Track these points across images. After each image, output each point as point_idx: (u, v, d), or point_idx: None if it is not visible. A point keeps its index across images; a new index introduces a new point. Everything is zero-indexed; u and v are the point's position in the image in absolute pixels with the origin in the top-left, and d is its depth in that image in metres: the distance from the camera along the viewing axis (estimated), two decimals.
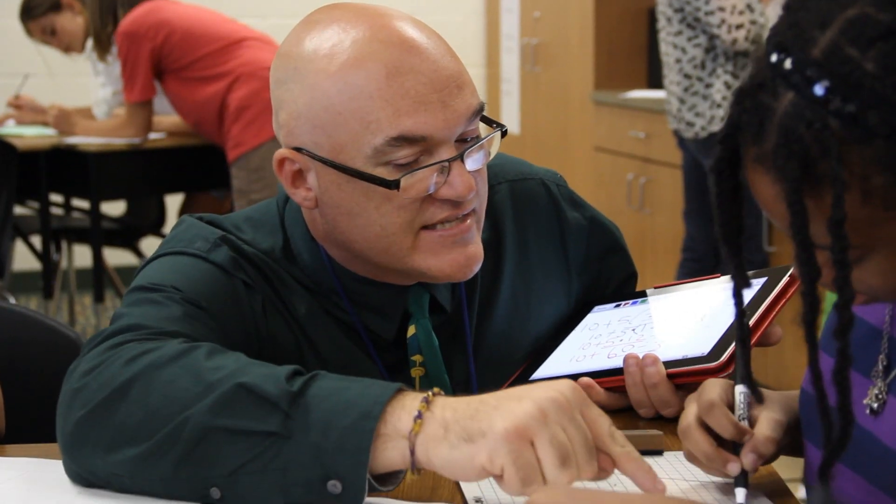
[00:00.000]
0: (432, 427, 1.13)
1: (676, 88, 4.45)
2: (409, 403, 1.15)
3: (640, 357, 1.43)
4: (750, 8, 4.23)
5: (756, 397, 1.22)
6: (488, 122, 1.45)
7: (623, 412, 1.46)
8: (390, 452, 1.14)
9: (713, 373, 1.38)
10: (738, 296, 1.13)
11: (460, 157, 1.37)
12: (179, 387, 1.21)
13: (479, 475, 1.12)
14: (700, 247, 4.56)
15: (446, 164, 1.36)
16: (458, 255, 1.40)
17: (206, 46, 4.24)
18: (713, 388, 1.27)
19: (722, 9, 4.21)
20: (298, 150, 1.40)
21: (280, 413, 1.16)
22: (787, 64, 1.02)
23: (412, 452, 1.13)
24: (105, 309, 4.99)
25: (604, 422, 1.13)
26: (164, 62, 4.28)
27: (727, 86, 4.30)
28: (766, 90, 1.04)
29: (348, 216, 1.39)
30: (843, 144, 1.00)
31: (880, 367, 1.20)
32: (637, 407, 1.45)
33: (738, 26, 4.21)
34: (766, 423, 1.24)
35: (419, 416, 1.14)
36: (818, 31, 1.02)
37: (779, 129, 1.02)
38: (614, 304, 1.60)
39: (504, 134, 1.44)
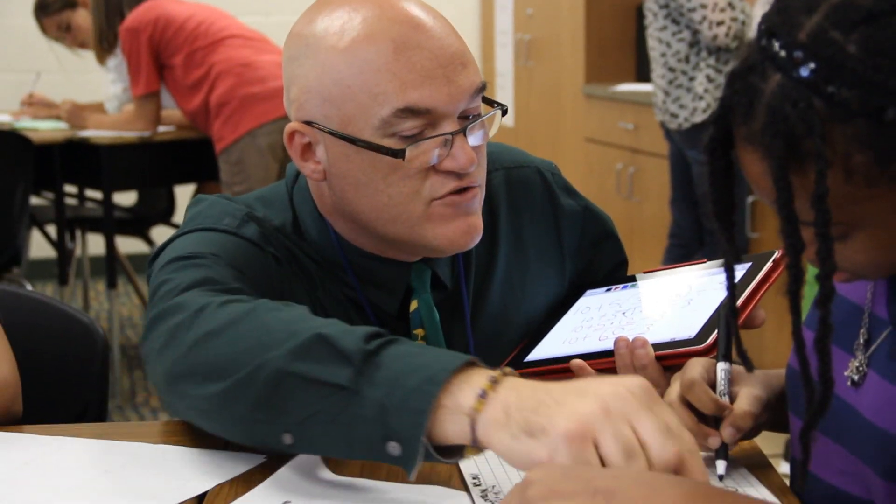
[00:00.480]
0: (494, 410, 1.08)
1: (661, 81, 4.47)
2: (475, 379, 1.11)
3: (630, 340, 1.42)
4: (731, 6, 4.26)
5: (746, 366, 1.20)
6: (489, 102, 1.46)
7: None
8: (450, 425, 1.10)
9: (699, 355, 1.37)
10: (728, 269, 1.13)
11: (463, 132, 1.39)
12: (270, 331, 1.21)
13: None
14: (685, 233, 4.60)
15: (449, 136, 1.38)
16: (462, 223, 1.42)
17: (193, 43, 4.28)
18: (695, 366, 1.28)
19: (704, 6, 4.24)
20: (309, 123, 1.41)
21: (352, 368, 1.14)
22: (775, 47, 1.05)
23: (472, 430, 1.09)
24: (117, 295, 4.84)
25: (668, 418, 1.05)
26: (161, 56, 4.33)
27: (709, 79, 4.33)
28: (755, 72, 1.06)
29: (356, 187, 1.41)
30: (827, 123, 1.02)
31: (861, 340, 1.22)
32: None
33: (720, 23, 4.24)
34: (746, 399, 1.26)
35: (483, 394, 1.09)
36: (805, 16, 1.04)
37: (766, 109, 1.04)
38: (606, 289, 1.61)
39: (504, 113, 1.45)
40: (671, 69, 4.45)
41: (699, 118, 4.37)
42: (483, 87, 1.42)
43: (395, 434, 1.11)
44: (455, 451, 1.14)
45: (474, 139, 1.41)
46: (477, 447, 1.10)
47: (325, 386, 1.15)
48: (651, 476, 1.01)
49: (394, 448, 1.12)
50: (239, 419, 1.20)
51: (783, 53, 1.04)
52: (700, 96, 4.37)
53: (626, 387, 1.05)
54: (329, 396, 1.15)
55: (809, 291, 2.70)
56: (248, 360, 1.19)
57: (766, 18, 1.08)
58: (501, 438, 1.07)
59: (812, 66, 1.03)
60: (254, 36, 4.43)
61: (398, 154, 1.37)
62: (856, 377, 1.21)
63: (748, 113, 1.07)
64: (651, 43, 4.56)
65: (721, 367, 1.28)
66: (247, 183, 4.25)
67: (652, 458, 1.03)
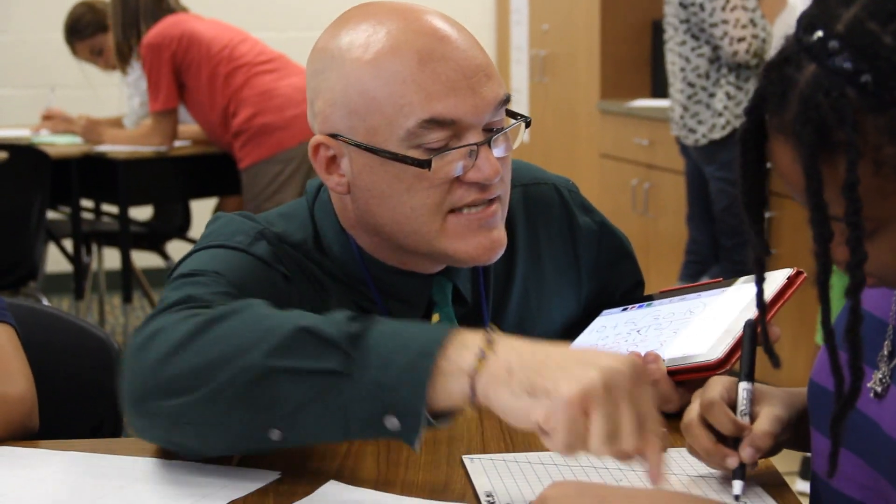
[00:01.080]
0: (496, 367, 1.15)
1: (680, 96, 4.47)
2: (470, 342, 1.17)
3: (643, 355, 1.43)
4: (753, 23, 4.27)
5: (773, 362, 1.20)
6: (513, 115, 1.47)
7: None
8: (451, 389, 1.16)
9: (712, 369, 1.39)
10: (758, 264, 1.15)
11: (488, 143, 1.40)
12: (239, 335, 1.23)
13: (530, 427, 1.14)
14: (702, 249, 4.60)
15: (475, 147, 1.39)
16: (484, 239, 1.43)
17: (216, 67, 4.34)
18: (715, 386, 1.28)
19: (725, 21, 4.25)
20: (333, 136, 1.42)
21: (340, 352, 1.18)
22: (812, 38, 1.05)
23: (472, 389, 1.15)
24: (133, 309, 4.92)
25: (650, 404, 1.13)
26: (182, 75, 4.38)
27: (728, 96, 4.33)
28: (791, 63, 1.07)
29: (380, 198, 1.42)
30: (859, 113, 1.02)
31: (885, 352, 1.22)
32: None
33: (741, 39, 4.25)
34: (766, 419, 1.26)
35: (483, 355, 1.15)
36: (842, 8, 1.04)
37: (799, 98, 1.05)
38: (622, 309, 1.62)
39: (528, 125, 1.46)
40: (690, 84, 4.46)
41: (717, 135, 4.38)
42: (507, 99, 1.43)
43: (394, 409, 1.17)
44: (448, 415, 1.22)
45: (498, 150, 1.43)
46: (474, 407, 1.17)
47: (316, 374, 1.19)
48: (665, 495, 1.03)
49: (391, 423, 1.17)
50: (221, 424, 1.22)
51: (819, 44, 1.05)
52: (719, 113, 4.37)
53: (622, 363, 1.13)
54: (319, 383, 1.19)
55: (836, 303, 2.68)
56: (224, 365, 1.21)
57: (805, 13, 1.08)
58: (501, 395, 1.14)
59: (847, 56, 1.03)
60: (273, 59, 4.46)
61: (424, 164, 1.38)
62: (879, 388, 1.21)
63: (781, 103, 1.07)
64: (670, 57, 4.57)
65: (743, 386, 1.28)
66: (255, 202, 4.33)
67: (621, 446, 1.12)
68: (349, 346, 1.19)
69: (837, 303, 1.12)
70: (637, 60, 5.62)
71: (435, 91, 1.38)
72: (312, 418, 1.20)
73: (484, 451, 1.37)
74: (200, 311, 1.28)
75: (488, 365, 1.15)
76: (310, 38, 1.50)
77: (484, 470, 1.31)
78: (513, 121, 1.47)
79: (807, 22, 1.08)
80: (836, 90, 1.03)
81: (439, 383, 1.16)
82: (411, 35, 1.40)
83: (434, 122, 1.38)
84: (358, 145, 1.41)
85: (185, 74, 4.38)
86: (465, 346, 1.17)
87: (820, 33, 1.05)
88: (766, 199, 1.14)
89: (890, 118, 1.03)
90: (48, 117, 5.03)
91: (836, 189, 1.04)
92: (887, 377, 1.21)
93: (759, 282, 1.16)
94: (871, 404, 1.21)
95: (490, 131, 1.42)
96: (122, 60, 4.62)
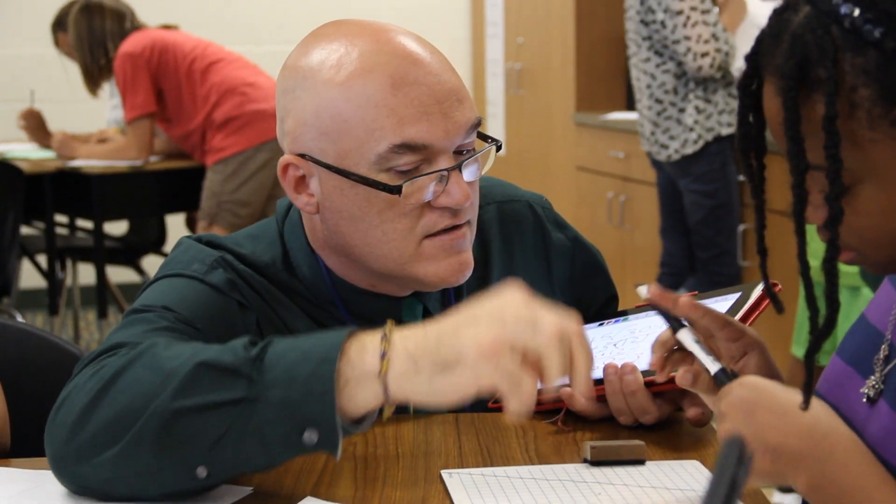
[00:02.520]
0: (400, 363, 1.16)
1: (649, 113, 4.48)
2: (369, 344, 1.18)
3: (619, 366, 1.43)
4: (715, 37, 4.29)
5: (777, 307, 1.24)
6: (483, 137, 1.47)
7: (605, 422, 1.48)
8: (364, 393, 1.17)
9: None
10: (759, 211, 1.17)
11: (458, 168, 1.41)
12: (143, 382, 1.22)
13: (464, 399, 1.16)
14: (677, 262, 4.61)
15: (445, 173, 1.39)
16: (454, 261, 1.43)
17: (192, 64, 4.40)
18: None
19: (688, 38, 4.26)
20: (303, 156, 1.42)
21: (243, 379, 1.18)
22: None
23: (386, 390, 1.17)
24: (108, 324, 4.89)
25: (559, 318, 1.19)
26: (160, 80, 4.41)
27: (698, 110, 4.34)
28: (789, 8, 1.11)
29: (350, 221, 1.42)
30: (840, 52, 1.06)
31: (881, 355, 1.22)
32: (617, 415, 1.46)
33: (704, 54, 4.26)
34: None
35: (383, 354, 1.17)
36: None
37: (790, 38, 1.09)
38: (598, 324, 1.63)
39: (499, 149, 1.47)
40: (658, 101, 4.47)
41: (690, 149, 4.40)
42: (478, 123, 1.43)
43: (309, 423, 1.17)
44: (367, 419, 1.21)
45: (469, 175, 1.43)
46: (390, 408, 1.19)
47: (223, 406, 1.19)
48: (815, 436, 1.09)
49: (310, 437, 1.17)
50: (145, 474, 1.22)
51: None
52: (690, 128, 4.38)
53: (505, 296, 1.20)
54: (230, 413, 1.19)
55: (844, 322, 2.68)
56: (134, 417, 1.21)
57: None
58: (417, 388, 1.16)
59: None
60: (242, 58, 4.55)
61: (394, 190, 1.38)
62: (871, 393, 1.21)
63: (775, 44, 1.10)
64: (635, 73, 4.59)
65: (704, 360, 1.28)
66: (238, 192, 4.38)
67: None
68: (250, 370, 1.19)
69: (844, 323, 1.11)
70: (612, 73, 5.66)
71: (407, 116, 1.38)
72: (231, 450, 1.20)
73: (462, 466, 1.36)
74: (106, 363, 1.27)
75: (392, 364, 1.17)
76: (286, 52, 1.49)
77: (462, 485, 1.31)
78: (484, 144, 1.47)
79: None
80: (821, 28, 1.06)
81: (351, 391, 1.17)
82: (384, 57, 1.39)
83: (405, 147, 1.38)
84: (328, 167, 1.41)
85: (163, 78, 4.42)
86: (364, 349, 1.18)
87: None
88: (763, 147, 1.16)
89: (867, 59, 1.06)
90: (27, 116, 5.01)
91: (812, 130, 1.07)
92: (880, 383, 1.21)
93: (760, 222, 1.17)
94: (859, 413, 1.22)
95: (461, 154, 1.42)
96: (92, 82, 4.65)
